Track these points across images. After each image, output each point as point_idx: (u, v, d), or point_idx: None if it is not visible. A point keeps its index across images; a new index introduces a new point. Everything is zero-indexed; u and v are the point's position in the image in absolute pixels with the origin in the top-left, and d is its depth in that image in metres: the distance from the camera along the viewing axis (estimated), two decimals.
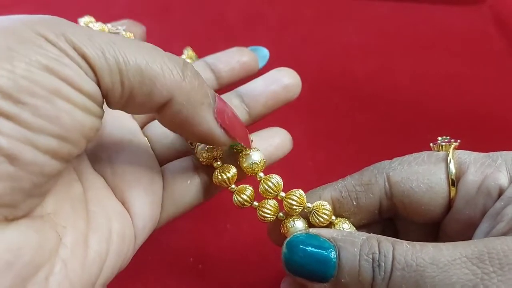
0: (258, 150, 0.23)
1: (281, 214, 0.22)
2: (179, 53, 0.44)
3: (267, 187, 0.22)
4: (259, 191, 0.22)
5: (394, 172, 0.22)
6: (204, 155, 0.23)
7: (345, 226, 0.22)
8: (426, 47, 0.44)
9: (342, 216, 0.22)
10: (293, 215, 0.22)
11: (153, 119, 0.26)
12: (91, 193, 0.21)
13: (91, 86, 0.17)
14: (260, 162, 0.23)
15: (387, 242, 0.18)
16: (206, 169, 0.24)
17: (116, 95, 0.18)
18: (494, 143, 0.36)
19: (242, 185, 0.23)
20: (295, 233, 0.20)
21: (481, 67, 0.42)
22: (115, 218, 0.20)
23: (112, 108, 0.19)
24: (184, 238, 0.32)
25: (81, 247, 0.18)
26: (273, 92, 0.26)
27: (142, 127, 0.26)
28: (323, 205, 0.22)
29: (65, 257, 0.17)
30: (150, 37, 0.34)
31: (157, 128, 0.25)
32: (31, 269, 0.16)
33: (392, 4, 0.48)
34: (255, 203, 0.22)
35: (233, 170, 0.23)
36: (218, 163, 0.23)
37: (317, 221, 0.21)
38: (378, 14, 0.48)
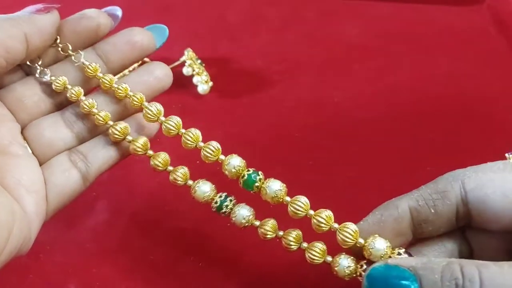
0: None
1: (329, 258, 0.23)
2: (179, 54, 0.44)
3: (293, 209, 0.23)
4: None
5: (469, 179, 0.22)
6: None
7: (378, 243, 0.21)
8: (426, 47, 0.44)
9: (420, 225, 0.23)
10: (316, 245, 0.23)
11: (35, 118, 0.26)
12: None
13: None
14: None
15: (471, 266, 0.18)
16: (81, 161, 0.26)
17: None
18: (494, 142, 0.36)
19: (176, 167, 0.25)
20: (373, 266, 0.20)
21: (481, 67, 0.42)
22: (13, 202, 0.22)
23: None
24: (184, 237, 0.32)
25: None
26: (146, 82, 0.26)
27: (22, 128, 0.26)
28: (346, 225, 0.22)
29: None
30: None
31: (34, 129, 0.26)
32: None
33: (392, 4, 0.49)
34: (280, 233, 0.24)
35: (143, 139, 0.25)
36: (129, 137, 0.25)
37: (342, 238, 0.22)
38: (378, 14, 0.48)
